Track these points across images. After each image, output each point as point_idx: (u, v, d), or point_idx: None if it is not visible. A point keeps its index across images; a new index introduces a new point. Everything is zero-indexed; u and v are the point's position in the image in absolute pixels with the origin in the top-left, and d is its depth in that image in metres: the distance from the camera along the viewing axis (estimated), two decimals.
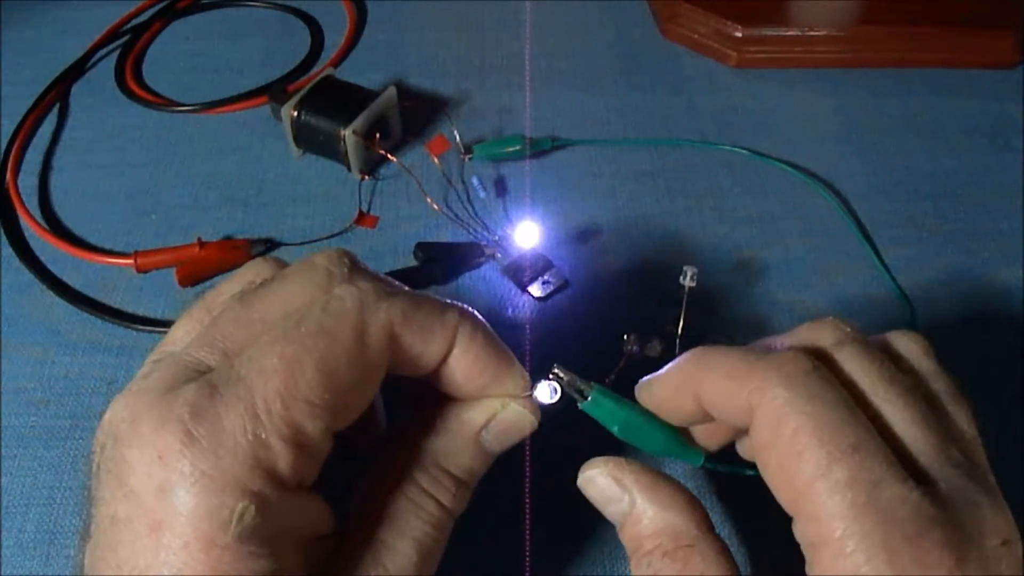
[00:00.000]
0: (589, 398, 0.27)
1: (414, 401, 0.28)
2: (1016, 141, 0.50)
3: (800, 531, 0.22)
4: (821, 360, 0.24)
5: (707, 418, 0.26)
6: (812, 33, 0.55)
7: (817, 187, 0.47)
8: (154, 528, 0.20)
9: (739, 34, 0.55)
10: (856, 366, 0.24)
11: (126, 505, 0.21)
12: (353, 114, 0.45)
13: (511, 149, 0.48)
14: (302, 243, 0.44)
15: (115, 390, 0.38)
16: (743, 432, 0.27)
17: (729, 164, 0.49)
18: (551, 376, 0.27)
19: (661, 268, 0.43)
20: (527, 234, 0.42)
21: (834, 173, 0.48)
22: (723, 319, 0.41)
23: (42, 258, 0.44)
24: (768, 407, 0.23)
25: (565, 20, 0.60)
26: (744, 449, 0.29)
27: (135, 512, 0.21)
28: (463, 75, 0.55)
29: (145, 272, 0.43)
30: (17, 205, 0.47)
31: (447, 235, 0.45)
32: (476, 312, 0.27)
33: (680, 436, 0.28)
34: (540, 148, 0.49)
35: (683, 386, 0.26)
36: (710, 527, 0.25)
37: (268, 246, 0.44)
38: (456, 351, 0.25)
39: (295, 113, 0.47)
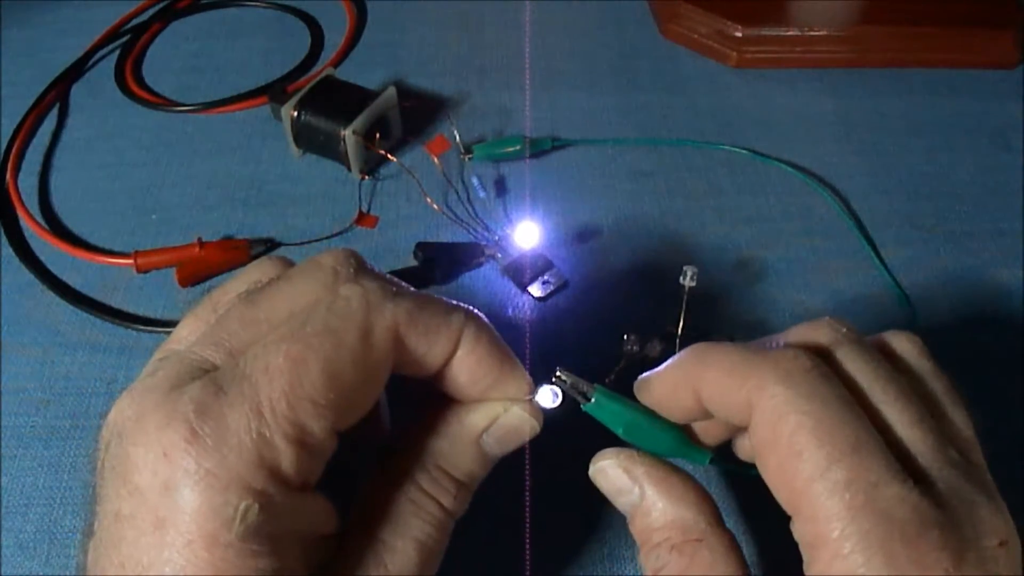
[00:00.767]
0: (593, 400, 0.27)
1: (418, 402, 0.28)
2: (1016, 141, 0.51)
3: (798, 530, 0.22)
4: (820, 359, 0.24)
5: (706, 415, 0.26)
6: (812, 33, 0.55)
7: (817, 187, 0.47)
8: (158, 525, 0.20)
9: (739, 34, 0.55)
10: (853, 366, 0.24)
11: (130, 502, 0.21)
12: (353, 114, 0.45)
13: (511, 149, 0.48)
14: (302, 243, 0.44)
15: (115, 390, 0.38)
16: (741, 430, 0.27)
17: (729, 164, 0.49)
18: (554, 379, 0.27)
19: (661, 268, 0.43)
20: (527, 234, 0.42)
21: (834, 173, 0.48)
22: (723, 319, 0.41)
23: (42, 258, 0.44)
24: (767, 405, 0.23)
25: (565, 20, 0.61)
26: (741, 449, 0.29)
27: (139, 509, 0.21)
28: (463, 75, 0.55)
29: (145, 272, 0.43)
30: (17, 205, 0.47)
31: (447, 235, 0.45)
32: (481, 314, 0.27)
33: (685, 436, 0.28)
34: (540, 148, 0.49)
35: (682, 383, 0.26)
36: (720, 522, 0.25)
37: (268, 246, 0.44)
38: (460, 353, 0.25)
39: (295, 113, 0.47)
